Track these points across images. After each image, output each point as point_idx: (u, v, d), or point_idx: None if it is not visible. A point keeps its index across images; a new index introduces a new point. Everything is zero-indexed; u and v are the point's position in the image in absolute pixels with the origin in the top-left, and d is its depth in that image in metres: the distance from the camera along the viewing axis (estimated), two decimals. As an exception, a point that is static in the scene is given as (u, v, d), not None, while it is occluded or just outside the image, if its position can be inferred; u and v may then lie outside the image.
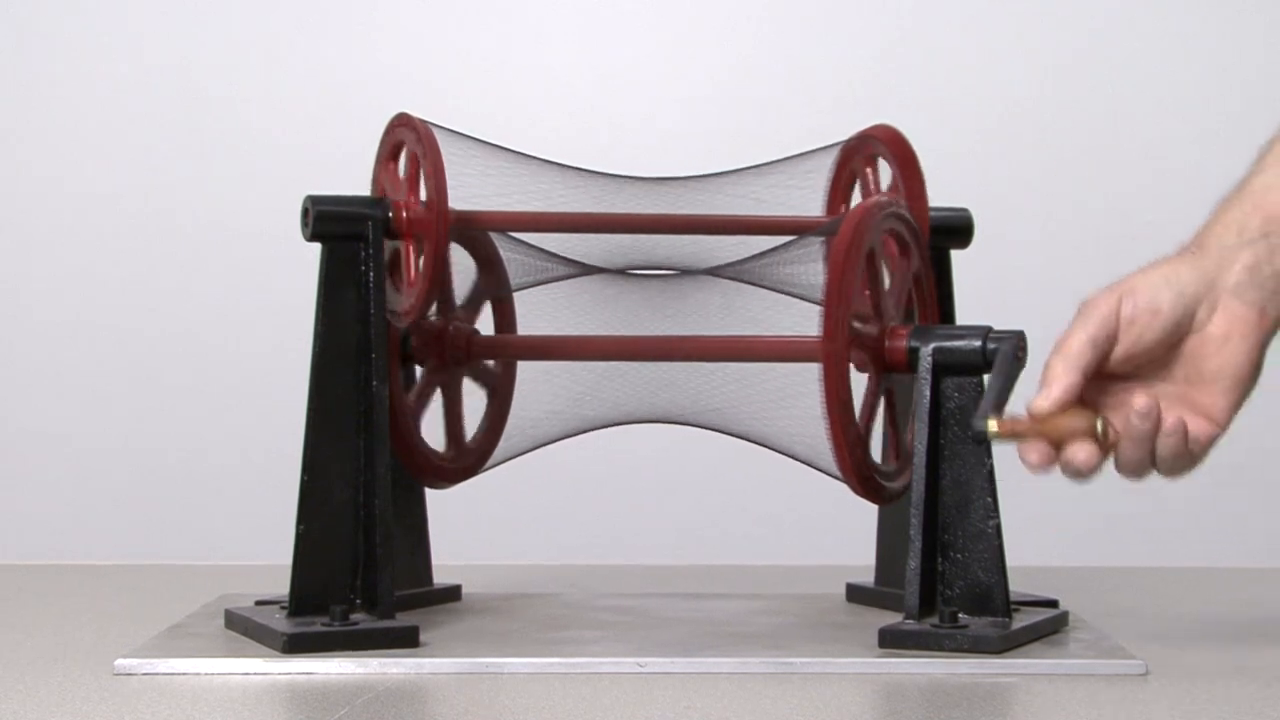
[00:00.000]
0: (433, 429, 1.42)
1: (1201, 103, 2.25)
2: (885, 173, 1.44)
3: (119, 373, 2.28)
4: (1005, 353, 1.27)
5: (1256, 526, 2.27)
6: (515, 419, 1.45)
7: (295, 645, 1.23)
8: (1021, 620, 1.29)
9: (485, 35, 2.29)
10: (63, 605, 1.51)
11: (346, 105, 2.24)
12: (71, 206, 2.28)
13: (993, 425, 1.23)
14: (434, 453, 1.41)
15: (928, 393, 1.29)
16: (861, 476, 1.30)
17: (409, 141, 1.34)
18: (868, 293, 1.31)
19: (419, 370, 1.41)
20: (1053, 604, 1.37)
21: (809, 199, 1.46)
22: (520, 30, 2.29)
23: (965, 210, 1.46)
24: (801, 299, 1.35)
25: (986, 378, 1.28)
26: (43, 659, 1.26)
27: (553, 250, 1.40)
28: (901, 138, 1.42)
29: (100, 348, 2.28)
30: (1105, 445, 1.23)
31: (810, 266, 1.34)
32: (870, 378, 1.33)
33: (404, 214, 1.33)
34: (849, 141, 1.45)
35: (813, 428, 1.30)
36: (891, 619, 1.29)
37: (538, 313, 1.45)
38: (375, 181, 1.38)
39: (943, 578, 1.29)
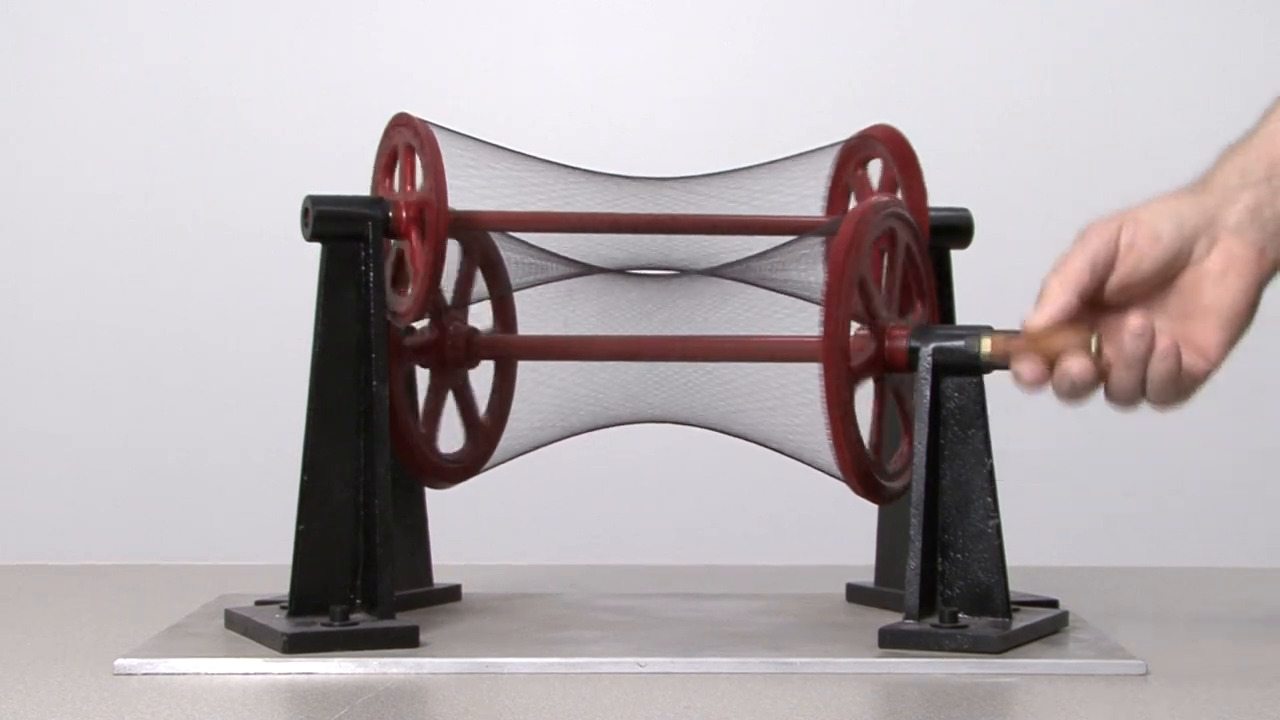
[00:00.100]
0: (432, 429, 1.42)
1: (1201, 103, 2.25)
2: (886, 173, 1.44)
3: (119, 373, 2.28)
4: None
5: (1256, 526, 2.27)
6: (515, 419, 1.45)
7: (295, 645, 1.23)
8: (1021, 620, 1.29)
9: (485, 35, 2.29)
10: (63, 605, 1.51)
11: (346, 105, 2.24)
12: (71, 206, 2.28)
13: (986, 345, 1.24)
14: (434, 453, 1.41)
15: (928, 393, 1.29)
16: (861, 476, 1.30)
17: (409, 141, 1.34)
18: (873, 291, 1.31)
19: (422, 373, 1.41)
20: (1053, 604, 1.37)
21: (809, 199, 1.46)
22: (520, 30, 2.29)
23: (965, 210, 1.46)
24: (801, 299, 1.35)
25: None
26: (43, 659, 1.26)
27: (553, 250, 1.40)
28: (901, 138, 1.42)
29: (100, 348, 2.28)
30: (1099, 364, 1.22)
31: (810, 266, 1.34)
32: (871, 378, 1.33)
33: (404, 214, 1.33)
34: (849, 141, 1.45)
35: (813, 427, 1.30)
36: (891, 619, 1.29)
37: (538, 313, 1.45)
38: (375, 181, 1.38)
39: (943, 578, 1.29)
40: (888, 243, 1.34)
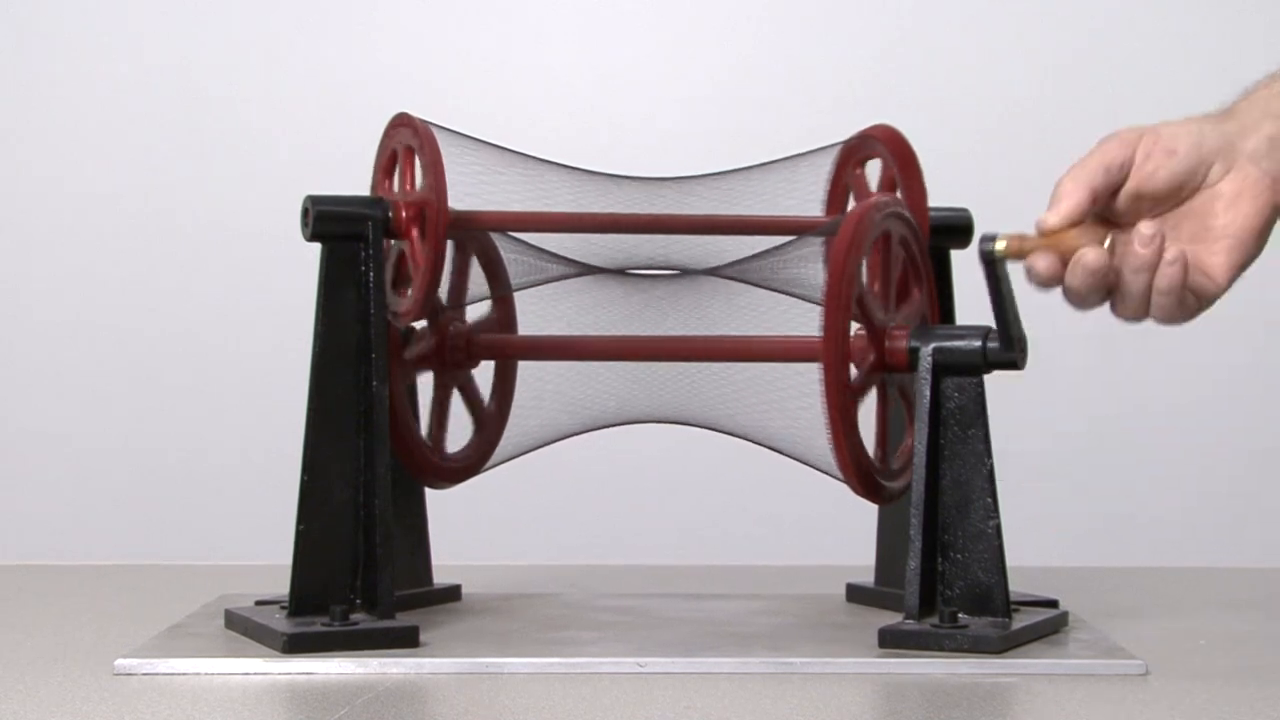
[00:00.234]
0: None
1: (1201, 103, 2.25)
2: (885, 173, 1.44)
3: (119, 373, 2.28)
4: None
5: (1256, 526, 2.27)
6: (515, 419, 1.45)
7: (295, 645, 1.23)
8: (1021, 620, 1.29)
9: (485, 35, 2.29)
10: (63, 605, 1.51)
11: (346, 105, 2.24)
12: (71, 206, 2.28)
13: (1000, 244, 1.24)
14: (434, 453, 1.41)
15: (928, 393, 1.29)
16: (861, 476, 1.30)
17: (409, 141, 1.34)
18: (871, 291, 1.31)
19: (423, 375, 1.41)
20: (1053, 604, 1.37)
21: (809, 199, 1.46)
22: (520, 30, 2.29)
23: (965, 210, 1.46)
24: (801, 299, 1.35)
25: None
26: (43, 659, 1.26)
27: (553, 250, 1.40)
28: (901, 138, 1.42)
29: (100, 348, 2.28)
30: (1113, 260, 1.23)
31: (810, 266, 1.34)
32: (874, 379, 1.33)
33: (404, 214, 1.33)
34: (849, 141, 1.45)
35: (813, 428, 1.30)
36: (891, 619, 1.29)
37: (538, 313, 1.45)
38: (375, 181, 1.38)
39: (943, 578, 1.29)
40: (887, 242, 1.34)
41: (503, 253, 1.42)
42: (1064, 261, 1.24)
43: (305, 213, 1.31)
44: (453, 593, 1.47)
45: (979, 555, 1.29)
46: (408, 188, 1.35)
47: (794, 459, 1.37)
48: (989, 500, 1.29)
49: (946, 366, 1.30)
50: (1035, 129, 2.26)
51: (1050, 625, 1.32)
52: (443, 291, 1.39)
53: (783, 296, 1.36)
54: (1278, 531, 2.26)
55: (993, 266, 1.25)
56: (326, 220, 1.31)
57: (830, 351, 1.27)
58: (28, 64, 2.28)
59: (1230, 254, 1.26)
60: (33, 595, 1.57)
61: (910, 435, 1.34)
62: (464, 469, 1.44)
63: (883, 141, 1.42)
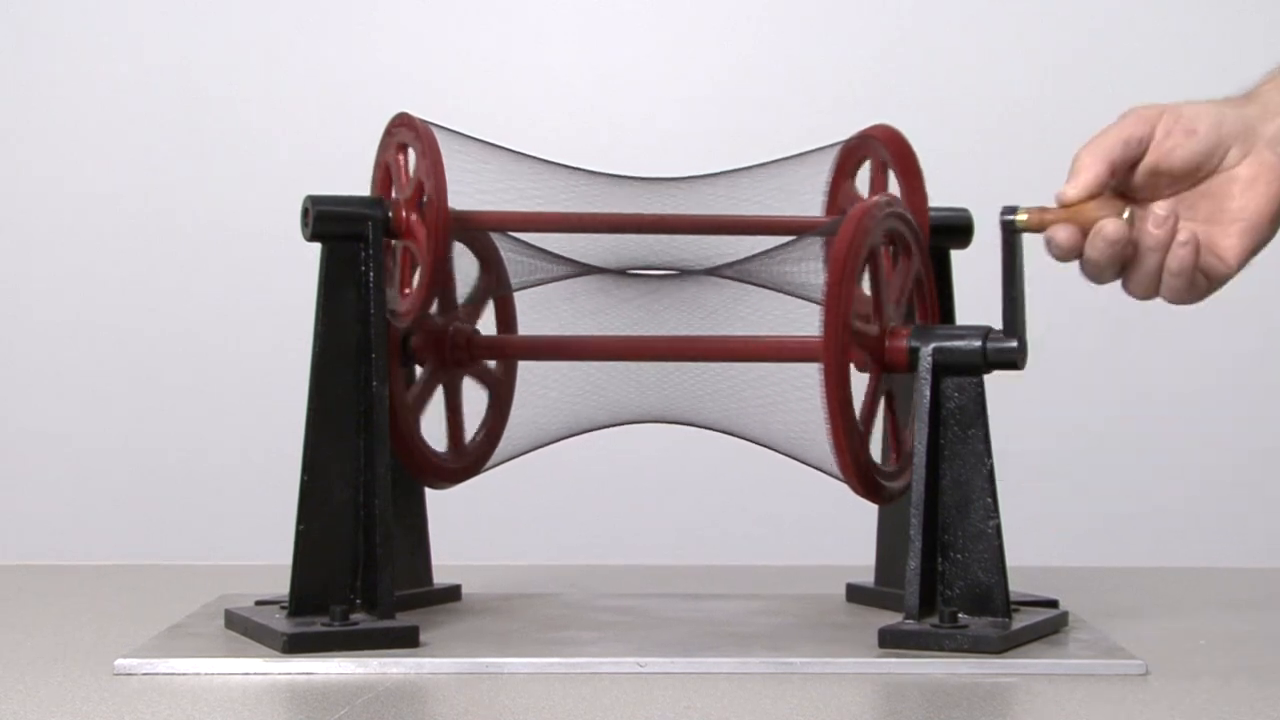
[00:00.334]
0: (433, 429, 1.42)
1: (1201, 103, 2.25)
2: (876, 174, 1.44)
3: (119, 373, 2.28)
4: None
5: (1256, 526, 2.27)
6: (515, 419, 1.45)
7: (295, 645, 1.23)
8: (1021, 620, 1.29)
9: (485, 35, 2.29)
10: (63, 605, 1.51)
11: (346, 105, 2.24)
12: (71, 206, 2.28)
13: (1022, 215, 1.25)
14: (434, 453, 1.41)
15: (928, 393, 1.29)
16: (861, 476, 1.30)
17: (409, 141, 1.34)
18: (868, 293, 1.31)
19: (418, 370, 1.41)
20: (1053, 604, 1.37)
21: (809, 199, 1.46)
22: (520, 30, 2.29)
23: (965, 210, 1.46)
24: (801, 299, 1.35)
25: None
26: (43, 659, 1.26)
27: (553, 250, 1.40)
28: (901, 138, 1.42)
29: (100, 348, 2.28)
30: (1132, 232, 1.25)
31: (810, 266, 1.34)
32: (870, 377, 1.33)
33: (404, 214, 1.33)
34: (849, 141, 1.45)
35: (813, 428, 1.30)
36: (891, 619, 1.29)
37: (538, 313, 1.45)
38: (375, 181, 1.38)
39: (943, 578, 1.29)
40: (887, 243, 1.34)
41: (502, 252, 1.42)
42: (1083, 234, 1.25)
43: (305, 213, 1.31)
44: (453, 593, 1.47)
45: (979, 555, 1.29)
46: (408, 188, 1.35)
47: (794, 459, 1.37)
48: (989, 500, 1.29)
49: (946, 366, 1.30)
50: (1035, 129, 2.26)
51: (1050, 625, 1.32)
52: (445, 292, 1.39)
53: (783, 296, 1.36)
54: (1278, 531, 2.26)
55: (1012, 237, 1.26)
56: (326, 220, 1.31)
57: (830, 351, 1.27)
58: (28, 64, 2.28)
59: (1243, 237, 1.27)
60: (33, 595, 1.57)
61: (910, 435, 1.34)
62: (464, 469, 1.44)
63: (883, 141, 1.42)
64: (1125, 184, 1.28)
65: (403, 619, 1.29)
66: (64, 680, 1.19)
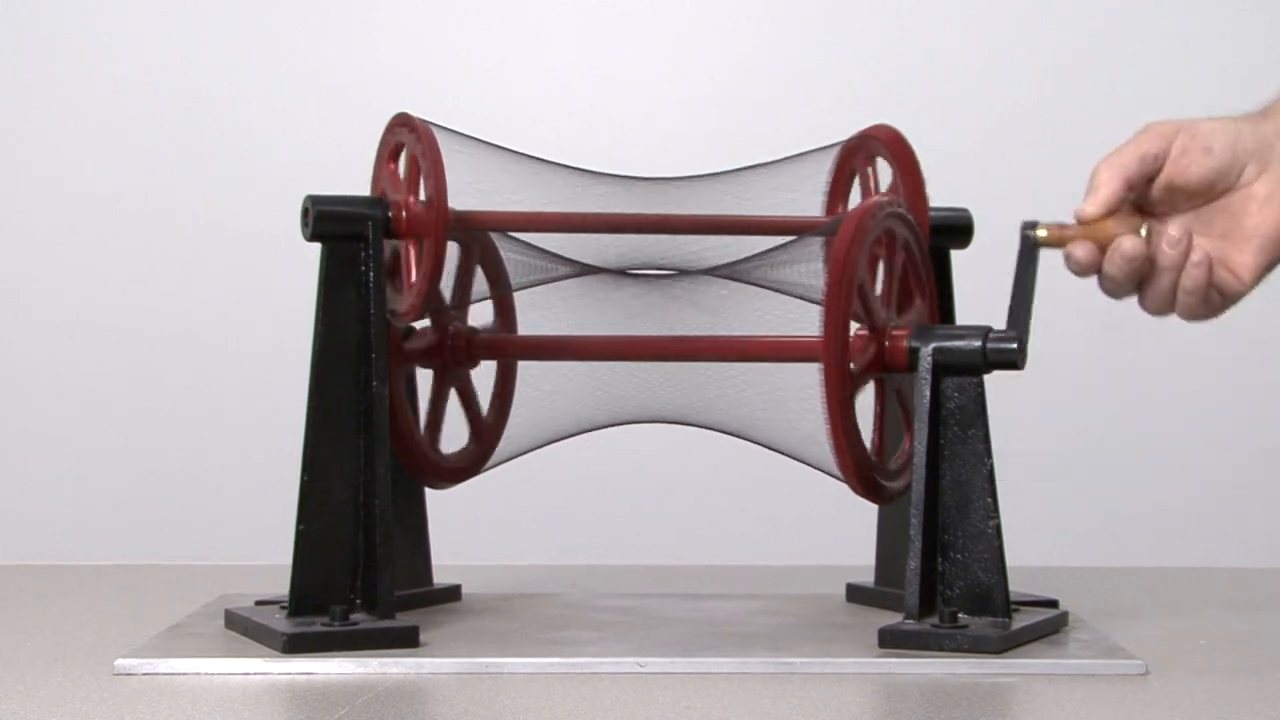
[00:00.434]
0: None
1: (1201, 103, 2.25)
2: (885, 172, 1.44)
3: (119, 373, 2.28)
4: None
5: (1256, 526, 2.27)
6: (515, 419, 1.45)
7: (295, 645, 1.23)
8: (1021, 620, 1.29)
9: (485, 35, 2.29)
10: (63, 605, 1.51)
11: (346, 105, 2.24)
12: (71, 206, 2.28)
13: (1042, 231, 1.28)
14: (434, 453, 1.41)
15: (928, 393, 1.29)
16: (861, 476, 1.30)
17: (409, 141, 1.34)
18: (869, 292, 1.31)
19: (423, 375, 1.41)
20: (1053, 604, 1.37)
21: (809, 199, 1.46)
22: (520, 30, 2.29)
23: (965, 210, 1.46)
24: (801, 299, 1.35)
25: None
26: (43, 659, 1.26)
27: (553, 250, 1.40)
28: (901, 138, 1.42)
29: (100, 348, 2.28)
30: (1150, 248, 1.27)
31: (810, 266, 1.34)
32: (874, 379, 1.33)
33: (404, 214, 1.33)
34: (849, 141, 1.45)
35: (813, 427, 1.30)
36: (891, 619, 1.29)
37: (538, 312, 1.45)
38: (375, 181, 1.38)
39: (943, 578, 1.29)
40: (887, 242, 1.34)
41: (503, 252, 1.42)
42: (1101, 250, 1.27)
43: (305, 213, 1.31)
44: (453, 593, 1.47)
45: (979, 555, 1.29)
46: (408, 188, 1.35)
47: (794, 459, 1.37)
48: (989, 500, 1.29)
49: (946, 366, 1.30)
50: (1035, 129, 2.26)
51: (1050, 625, 1.32)
52: (446, 291, 1.39)
53: (783, 296, 1.36)
54: (1278, 531, 2.26)
55: (1032, 251, 1.29)
56: (326, 220, 1.31)
57: (830, 351, 1.27)
58: (28, 64, 2.28)
59: (1258, 255, 1.28)
60: (33, 595, 1.57)
61: (910, 436, 1.34)
62: (464, 469, 1.44)
63: (883, 141, 1.42)
64: (1142, 198, 1.29)
65: (403, 619, 1.29)
66: (64, 680, 1.19)
